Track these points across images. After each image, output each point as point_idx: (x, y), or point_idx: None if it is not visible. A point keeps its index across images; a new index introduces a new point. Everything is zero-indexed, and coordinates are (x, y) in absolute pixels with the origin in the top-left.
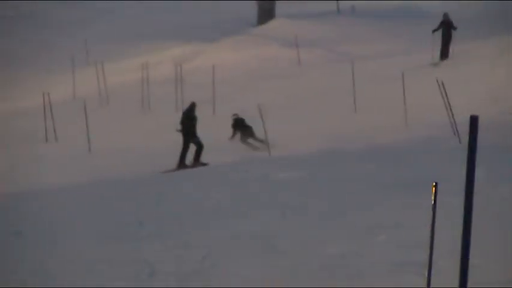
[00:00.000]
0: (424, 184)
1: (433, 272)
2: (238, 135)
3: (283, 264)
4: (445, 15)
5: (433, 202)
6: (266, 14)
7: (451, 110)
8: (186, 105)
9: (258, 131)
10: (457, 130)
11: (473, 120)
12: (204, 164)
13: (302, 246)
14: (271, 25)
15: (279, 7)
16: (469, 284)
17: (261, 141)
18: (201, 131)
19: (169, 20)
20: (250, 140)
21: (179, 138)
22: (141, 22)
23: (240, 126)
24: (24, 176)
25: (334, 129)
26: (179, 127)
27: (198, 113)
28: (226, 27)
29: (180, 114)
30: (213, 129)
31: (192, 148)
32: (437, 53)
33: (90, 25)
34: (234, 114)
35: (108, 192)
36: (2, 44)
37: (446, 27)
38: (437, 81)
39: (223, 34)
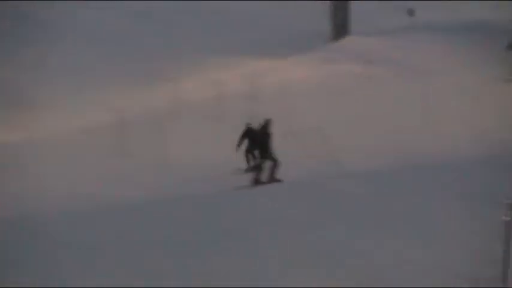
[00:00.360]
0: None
1: None
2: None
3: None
4: None
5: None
6: (340, 30)
7: None
8: (259, 122)
9: (327, 146)
10: None
11: None
12: (279, 180)
13: (381, 260)
14: (345, 41)
15: (353, 23)
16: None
17: (254, 165)
18: (275, 147)
19: (241, 35)
20: (249, 156)
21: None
22: (210, 36)
23: (249, 136)
24: (101, 191)
25: (407, 144)
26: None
27: (273, 129)
28: (300, 43)
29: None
30: (287, 146)
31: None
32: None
33: (160, 39)
34: (248, 123)
35: (182, 209)
36: (72, 61)
37: None
38: None
39: (296, 50)
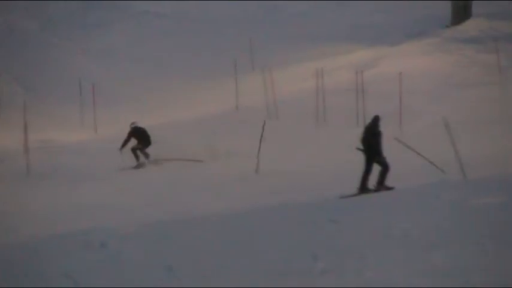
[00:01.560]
0: None
1: None
2: None
3: None
4: None
5: None
6: (461, 12)
7: None
8: (368, 118)
9: (444, 148)
10: None
11: None
12: (390, 188)
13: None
14: (467, 26)
15: (477, 5)
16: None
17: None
18: (385, 149)
19: (345, 20)
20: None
21: (360, 158)
22: (310, 22)
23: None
24: (183, 199)
25: None
26: (360, 145)
27: (382, 128)
28: (413, 28)
29: (361, 130)
30: (399, 147)
31: (376, 169)
32: None
33: (254, 25)
34: (133, 122)
35: (276, 220)
36: (154, 50)
37: None
38: None
39: (409, 36)
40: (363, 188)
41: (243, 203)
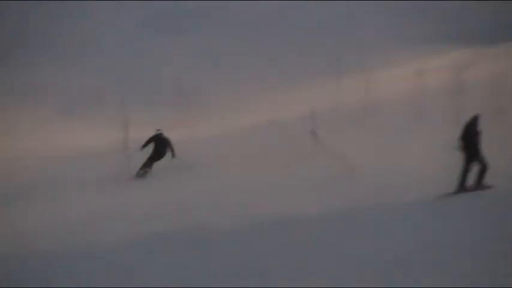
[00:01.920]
0: None
1: None
2: None
3: None
4: None
5: None
6: None
7: None
8: (467, 118)
9: None
10: None
11: None
12: (488, 187)
13: None
14: None
15: None
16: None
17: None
18: (484, 148)
19: (444, 20)
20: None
21: (459, 157)
22: (410, 22)
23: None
24: (282, 199)
25: None
26: (459, 144)
27: (481, 127)
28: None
29: (460, 129)
30: (499, 147)
31: (474, 169)
32: None
33: (354, 24)
34: (158, 130)
35: (373, 221)
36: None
37: None
38: None
39: (509, 36)
40: (462, 187)
41: (342, 203)
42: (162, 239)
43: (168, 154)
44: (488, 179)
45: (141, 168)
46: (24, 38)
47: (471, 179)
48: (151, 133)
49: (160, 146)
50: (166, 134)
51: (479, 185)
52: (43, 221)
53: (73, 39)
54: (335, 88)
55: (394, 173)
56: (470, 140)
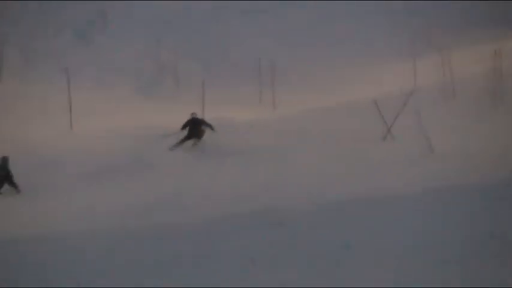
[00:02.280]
0: None
1: None
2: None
3: None
4: None
5: None
6: None
7: None
8: None
9: None
10: None
11: None
12: None
13: None
14: None
15: None
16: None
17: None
18: None
19: None
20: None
21: None
22: (487, 4)
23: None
24: (360, 179)
25: None
26: None
27: None
28: None
29: None
30: None
31: None
32: None
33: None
34: (193, 113)
35: (452, 202)
36: (330, 32)
37: None
38: None
39: None
40: None
41: (420, 183)
42: (241, 219)
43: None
44: None
45: (175, 145)
46: (104, 21)
47: None
48: (229, 114)
49: (193, 126)
50: (245, 115)
51: None
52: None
53: (150, 22)
54: (411, 69)
55: (471, 155)
56: None
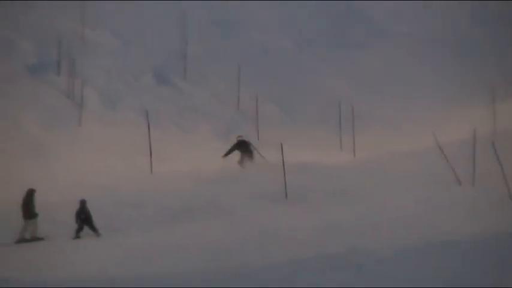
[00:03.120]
0: None
1: None
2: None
3: None
4: None
5: None
6: None
7: None
8: None
9: None
10: None
11: None
12: None
13: None
14: None
15: None
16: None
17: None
18: None
19: None
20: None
21: None
22: None
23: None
24: (438, 223)
25: None
26: None
27: None
28: None
29: None
30: None
31: None
32: None
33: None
34: (239, 136)
35: None
36: (407, 72)
37: None
38: None
39: None
40: None
41: (498, 229)
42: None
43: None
44: None
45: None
46: (184, 64)
47: None
48: (309, 158)
49: (245, 148)
50: (325, 159)
51: None
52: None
53: (229, 65)
54: (491, 114)
55: None
56: None
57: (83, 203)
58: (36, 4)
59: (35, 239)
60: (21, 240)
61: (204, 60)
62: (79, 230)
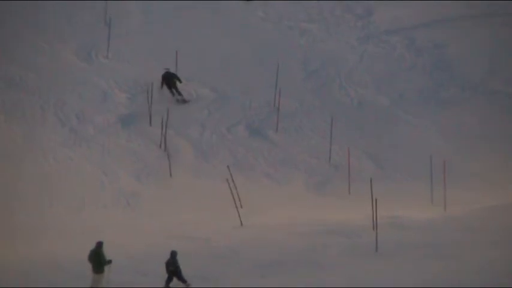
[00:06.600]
0: None
1: None
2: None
3: None
4: None
5: None
6: None
7: None
8: None
9: None
10: None
11: None
12: None
13: None
14: None
15: None
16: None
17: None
18: None
19: None
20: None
21: None
22: None
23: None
24: None
25: None
26: None
27: None
28: None
29: None
30: None
31: None
32: None
33: None
34: (166, 68)
35: None
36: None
37: None
38: None
39: None
40: None
41: None
42: None
43: None
44: None
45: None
46: (276, 116)
47: None
48: (400, 213)
49: (168, 80)
50: (417, 214)
51: None
52: None
53: (321, 118)
54: None
55: None
56: None
57: (173, 254)
58: (128, 55)
59: None
60: None
61: (297, 112)
62: (168, 280)
